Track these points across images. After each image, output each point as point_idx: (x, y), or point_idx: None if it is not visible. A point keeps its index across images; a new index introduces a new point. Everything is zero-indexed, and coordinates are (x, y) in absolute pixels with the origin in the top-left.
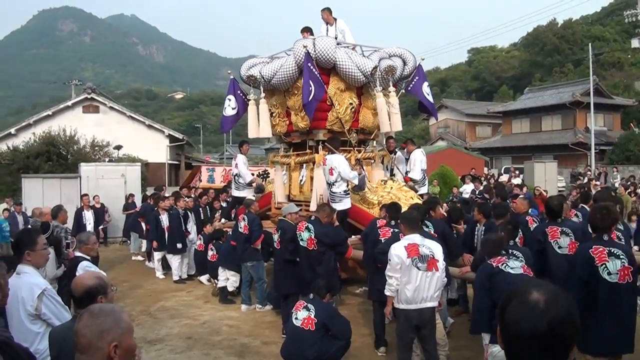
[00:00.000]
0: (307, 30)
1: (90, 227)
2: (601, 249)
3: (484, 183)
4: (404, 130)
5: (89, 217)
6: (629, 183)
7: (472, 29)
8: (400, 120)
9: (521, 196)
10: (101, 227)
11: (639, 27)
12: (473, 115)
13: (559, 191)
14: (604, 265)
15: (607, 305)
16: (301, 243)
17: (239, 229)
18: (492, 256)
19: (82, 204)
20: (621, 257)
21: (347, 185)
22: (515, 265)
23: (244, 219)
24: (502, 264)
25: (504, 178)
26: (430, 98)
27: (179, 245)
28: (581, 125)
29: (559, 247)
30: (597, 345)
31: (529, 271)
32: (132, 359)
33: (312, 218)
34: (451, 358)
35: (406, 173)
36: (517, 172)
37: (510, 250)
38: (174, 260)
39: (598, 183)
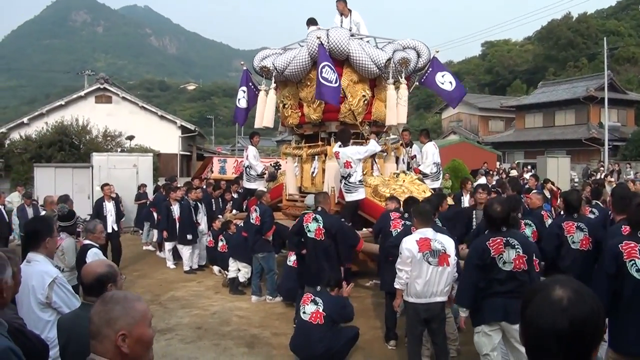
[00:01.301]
0: (312, 22)
1: (111, 218)
2: (632, 245)
3: (496, 177)
4: (415, 124)
5: (109, 208)
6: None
7: (487, 22)
8: (406, 112)
9: (535, 191)
10: (123, 219)
11: None
12: (486, 109)
13: (572, 187)
14: (632, 262)
15: (633, 303)
16: (309, 234)
17: (251, 220)
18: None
19: (103, 195)
20: None
21: (364, 173)
22: (508, 259)
23: (255, 210)
24: (499, 255)
25: (515, 173)
26: (445, 86)
27: (189, 237)
28: (595, 121)
29: (573, 242)
30: (627, 344)
31: (523, 263)
32: (146, 350)
33: (319, 209)
34: (461, 352)
35: (411, 160)
36: (529, 167)
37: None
38: (185, 251)
39: (612, 179)
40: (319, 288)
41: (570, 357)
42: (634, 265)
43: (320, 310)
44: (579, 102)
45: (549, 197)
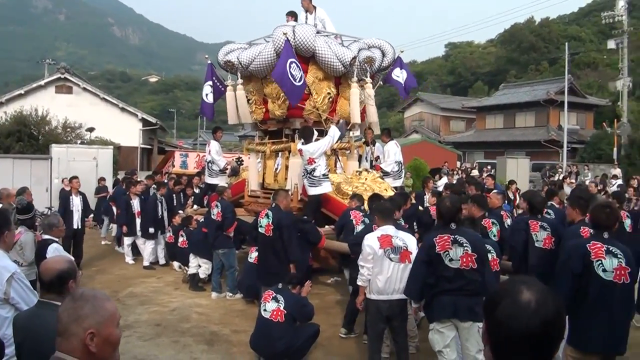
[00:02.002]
0: (291, 15)
1: (78, 214)
2: (599, 246)
3: (457, 177)
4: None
5: (76, 203)
6: (599, 181)
7: (451, 24)
8: (376, 111)
9: (495, 191)
10: (90, 216)
11: (615, 28)
12: (448, 110)
13: (532, 187)
14: (599, 262)
15: (597, 302)
16: (260, 230)
17: (212, 216)
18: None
19: (71, 188)
20: (619, 256)
21: (327, 168)
22: (455, 257)
23: (217, 205)
24: (444, 252)
25: (475, 173)
26: (400, 79)
27: (151, 230)
28: (554, 123)
29: (537, 240)
30: (587, 341)
31: (472, 261)
32: (113, 351)
33: (273, 205)
34: (420, 349)
35: (375, 160)
36: (488, 167)
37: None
38: (148, 245)
39: (573, 181)
40: (280, 285)
41: (537, 356)
42: (600, 265)
43: (281, 308)
44: (539, 104)
45: (512, 197)
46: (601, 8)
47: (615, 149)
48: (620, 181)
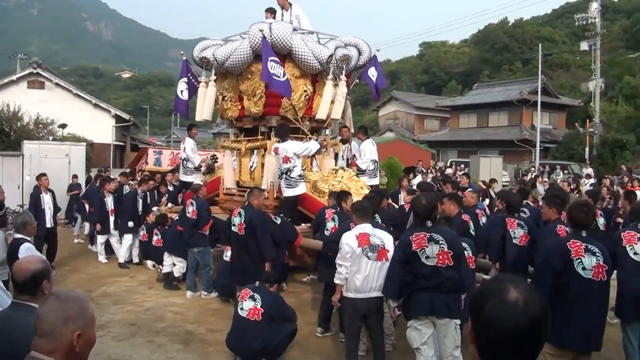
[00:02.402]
0: (270, 12)
1: (50, 212)
2: (579, 244)
3: (431, 175)
4: (352, 121)
5: (47, 200)
6: (571, 180)
7: (425, 23)
8: (342, 109)
9: (470, 189)
10: (59, 213)
11: (588, 30)
12: (422, 109)
13: (503, 186)
14: (579, 260)
15: (577, 300)
16: (233, 229)
17: (187, 214)
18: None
19: (40, 185)
20: (597, 254)
21: (303, 169)
22: (431, 254)
23: (192, 203)
24: (421, 250)
25: (450, 171)
26: (374, 79)
27: (131, 224)
28: (527, 123)
29: (514, 237)
30: (565, 338)
31: (448, 258)
32: (89, 351)
33: (246, 203)
34: (397, 347)
35: (352, 159)
36: (462, 165)
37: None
38: (125, 242)
39: (546, 180)
40: (257, 284)
41: (524, 354)
42: (580, 263)
43: (258, 307)
44: (512, 104)
45: (494, 196)
46: (574, 10)
47: (587, 149)
48: (592, 180)
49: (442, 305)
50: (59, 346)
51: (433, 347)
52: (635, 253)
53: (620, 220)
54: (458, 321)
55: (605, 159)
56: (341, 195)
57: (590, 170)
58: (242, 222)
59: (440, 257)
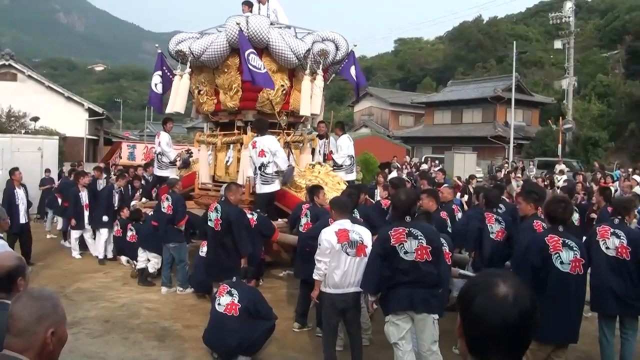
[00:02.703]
0: (247, 5)
1: (24, 207)
2: (556, 239)
3: (406, 171)
4: (327, 116)
5: (21, 196)
6: (546, 176)
7: (400, 20)
8: (319, 104)
9: (445, 185)
10: (30, 208)
11: (562, 29)
12: (397, 105)
13: (477, 182)
14: (557, 254)
15: (555, 294)
16: (209, 224)
17: (162, 209)
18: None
19: (13, 180)
20: (574, 248)
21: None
22: (410, 249)
23: (167, 198)
24: (399, 245)
25: (425, 167)
26: (356, 78)
27: (105, 219)
28: (501, 120)
29: (492, 232)
30: (543, 331)
31: (427, 253)
32: (61, 349)
33: (223, 199)
34: (373, 341)
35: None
36: (436, 162)
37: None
38: (102, 237)
39: (520, 176)
40: (234, 279)
41: (514, 348)
42: (558, 257)
43: (236, 302)
44: (486, 101)
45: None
46: (548, 9)
47: (560, 146)
48: (565, 176)
49: (421, 300)
50: (33, 344)
51: (411, 342)
52: (607, 247)
53: (594, 215)
54: (436, 316)
55: (578, 156)
56: (313, 190)
57: (563, 167)
58: (219, 217)
59: (419, 252)
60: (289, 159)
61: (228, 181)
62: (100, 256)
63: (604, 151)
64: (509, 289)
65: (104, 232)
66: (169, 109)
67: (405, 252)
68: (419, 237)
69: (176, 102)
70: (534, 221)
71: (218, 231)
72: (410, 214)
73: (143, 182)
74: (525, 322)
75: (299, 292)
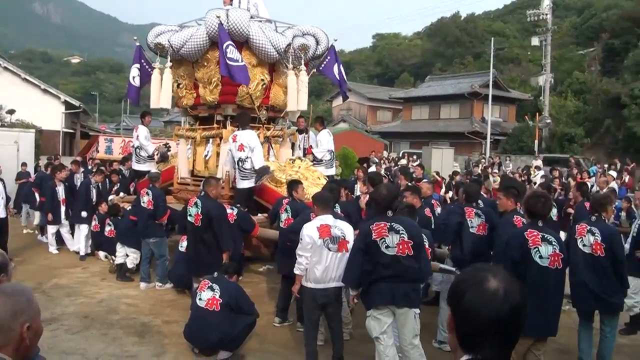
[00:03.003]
0: None
1: (2, 202)
2: (536, 233)
3: (384, 166)
4: (307, 111)
5: (0, 190)
6: (523, 172)
7: (378, 15)
8: (306, 99)
9: (425, 180)
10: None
11: (539, 26)
12: (375, 100)
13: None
14: (536, 249)
15: (535, 287)
16: (189, 219)
17: (142, 204)
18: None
19: None
20: (553, 243)
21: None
22: (391, 244)
23: (147, 193)
24: (381, 239)
25: (404, 162)
26: (340, 77)
27: (84, 214)
28: (478, 115)
29: (472, 227)
30: (527, 327)
31: (409, 248)
32: (37, 341)
33: (202, 194)
34: (354, 335)
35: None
36: (414, 157)
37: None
38: (82, 233)
39: (497, 171)
40: (216, 274)
41: (505, 341)
42: (537, 252)
43: (217, 297)
44: (463, 97)
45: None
46: (525, 6)
47: (536, 142)
48: (542, 172)
49: (402, 295)
50: (10, 340)
51: (392, 336)
52: (584, 245)
53: (571, 210)
54: (417, 310)
55: (554, 151)
56: (292, 185)
57: (539, 162)
58: (199, 212)
59: (400, 246)
60: (269, 154)
61: (208, 175)
62: (82, 252)
63: (580, 147)
64: (499, 284)
65: (83, 228)
66: (153, 105)
67: (387, 247)
68: (401, 232)
69: (162, 98)
70: (514, 216)
71: (198, 226)
72: (391, 208)
73: (120, 176)
74: (515, 316)
75: (280, 287)
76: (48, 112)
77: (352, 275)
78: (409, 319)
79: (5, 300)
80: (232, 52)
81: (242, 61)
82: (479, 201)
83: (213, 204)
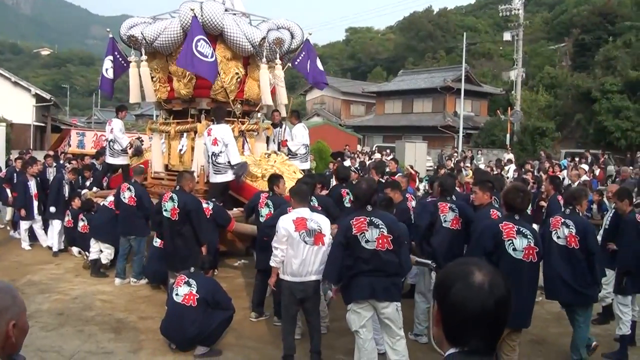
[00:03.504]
0: None
1: None
2: (510, 226)
3: (359, 160)
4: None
5: None
6: (494, 165)
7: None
8: (285, 93)
9: (399, 174)
10: None
11: (511, 21)
12: (348, 94)
13: (427, 171)
14: (510, 241)
15: (508, 279)
16: (165, 214)
17: (123, 199)
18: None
19: None
20: (528, 236)
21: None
22: (371, 238)
23: (129, 189)
24: (360, 234)
25: (378, 156)
26: (316, 71)
27: (52, 209)
28: (450, 110)
29: (445, 221)
30: None
31: (388, 242)
32: (23, 339)
33: (177, 188)
34: (331, 329)
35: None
36: (388, 150)
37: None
38: (55, 228)
39: (469, 165)
40: (192, 269)
41: (491, 334)
42: (511, 244)
43: (194, 292)
44: (436, 91)
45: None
46: (497, 1)
47: (508, 135)
48: (514, 166)
49: (382, 289)
50: None
51: (371, 330)
52: (558, 237)
53: (543, 203)
54: (399, 304)
55: (526, 145)
56: (273, 179)
57: (511, 156)
58: (176, 207)
59: (380, 241)
60: (244, 148)
61: (182, 170)
62: (55, 248)
63: (551, 141)
64: (484, 277)
65: (56, 224)
66: (134, 100)
67: (367, 241)
68: (380, 226)
69: (146, 92)
70: (491, 210)
71: (175, 220)
72: (371, 203)
73: (93, 171)
74: (501, 308)
75: (255, 282)
76: (18, 105)
77: (332, 271)
78: (392, 313)
79: None
80: (202, 46)
81: (212, 57)
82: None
83: (189, 198)
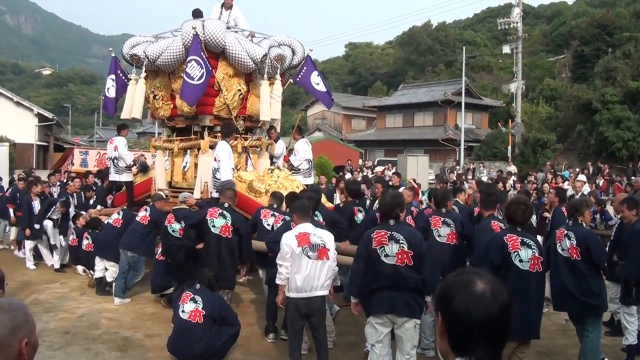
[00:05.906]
0: (197, 15)
1: None
2: (515, 238)
3: (362, 174)
4: (281, 120)
5: None
6: (497, 177)
7: (351, 24)
8: (279, 108)
9: (403, 188)
10: None
11: (509, 34)
12: (349, 108)
13: (429, 184)
14: (516, 253)
15: (516, 291)
16: (213, 230)
17: (136, 218)
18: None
19: None
20: (532, 247)
21: (238, 168)
22: (391, 253)
23: (146, 209)
24: (380, 248)
25: (380, 169)
26: (320, 87)
27: (37, 227)
28: (451, 123)
29: (439, 236)
30: None
31: (408, 258)
32: (34, 355)
33: (226, 205)
34: (337, 344)
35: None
36: (390, 164)
37: (392, 233)
38: (60, 245)
39: (470, 177)
40: (198, 286)
41: (496, 341)
42: (517, 256)
43: (200, 309)
44: (437, 104)
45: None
46: (495, 14)
47: (509, 148)
48: (515, 177)
49: (402, 303)
50: (9, 357)
51: (387, 346)
52: (562, 249)
53: (547, 214)
54: (418, 321)
55: (527, 157)
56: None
57: (513, 168)
58: (229, 224)
59: (400, 256)
60: (247, 164)
61: (186, 187)
62: (56, 265)
63: (552, 152)
64: (486, 285)
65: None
66: (124, 115)
67: (386, 255)
68: (401, 242)
69: (133, 108)
70: (492, 222)
71: (227, 238)
72: (394, 217)
73: (95, 189)
74: (505, 315)
75: (267, 302)
76: (21, 125)
77: (354, 284)
78: (409, 329)
79: (4, 316)
80: (192, 67)
81: (199, 80)
82: (455, 208)
83: (239, 215)
